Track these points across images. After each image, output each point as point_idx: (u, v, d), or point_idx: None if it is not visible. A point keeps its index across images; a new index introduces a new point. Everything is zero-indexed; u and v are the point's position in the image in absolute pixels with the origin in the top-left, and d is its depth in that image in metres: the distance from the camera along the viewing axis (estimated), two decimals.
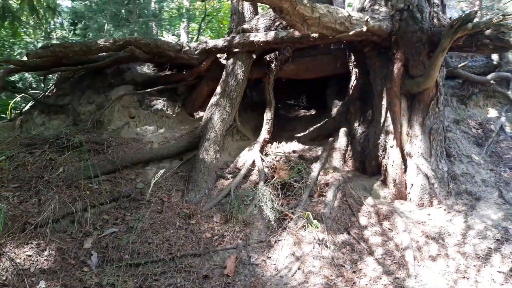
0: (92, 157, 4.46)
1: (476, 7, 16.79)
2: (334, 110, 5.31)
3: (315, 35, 4.39)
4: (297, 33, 4.51)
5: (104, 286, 2.97)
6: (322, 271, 3.14)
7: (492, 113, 5.60)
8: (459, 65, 5.54)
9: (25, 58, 4.99)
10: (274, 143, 5.17)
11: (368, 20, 3.70)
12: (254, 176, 4.40)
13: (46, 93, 5.74)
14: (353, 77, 4.93)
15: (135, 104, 5.14)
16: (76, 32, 12.24)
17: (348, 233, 3.65)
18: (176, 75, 5.33)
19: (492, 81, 5.68)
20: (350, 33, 3.90)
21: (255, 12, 6.02)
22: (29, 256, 3.18)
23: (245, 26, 5.06)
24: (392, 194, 4.20)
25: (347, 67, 5.07)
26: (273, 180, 4.20)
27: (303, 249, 3.36)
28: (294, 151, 4.92)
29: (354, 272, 3.18)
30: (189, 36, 15.77)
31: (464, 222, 3.67)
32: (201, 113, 5.52)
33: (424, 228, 3.70)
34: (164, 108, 5.20)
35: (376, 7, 4.42)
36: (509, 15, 3.20)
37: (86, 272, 3.11)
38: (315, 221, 3.50)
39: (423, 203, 4.02)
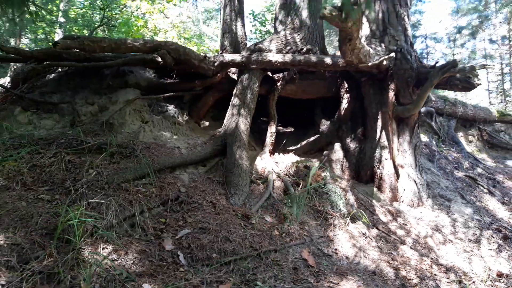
0: (120, 160, 4.22)
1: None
2: (323, 128, 6.07)
3: (329, 62, 5.15)
4: (313, 58, 5.20)
5: (210, 284, 3.00)
6: (381, 257, 3.78)
7: (423, 138, 7.22)
8: None
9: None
10: (275, 154, 5.63)
11: (390, 56, 4.64)
12: (277, 182, 4.80)
13: (23, 89, 5.00)
14: (345, 101, 5.81)
15: (146, 108, 4.97)
16: None
17: (377, 228, 4.38)
18: (185, 83, 5.35)
19: (422, 114, 7.34)
20: (369, 64, 4.79)
21: (245, 33, 6.49)
22: (113, 261, 2.98)
23: (261, 45, 5.50)
24: (389, 198, 5.14)
25: (338, 91, 5.93)
26: (300, 186, 4.68)
27: (358, 241, 3.95)
28: (298, 162, 5.48)
29: (401, 257, 3.91)
30: None
31: (448, 217, 4.81)
32: (206, 123, 5.63)
33: (423, 222, 4.69)
34: (176, 115, 5.15)
35: (373, 46, 5.45)
36: (489, 65, 4.53)
37: (184, 272, 3.07)
38: (365, 217, 4.13)
39: (413, 204, 5.06)
